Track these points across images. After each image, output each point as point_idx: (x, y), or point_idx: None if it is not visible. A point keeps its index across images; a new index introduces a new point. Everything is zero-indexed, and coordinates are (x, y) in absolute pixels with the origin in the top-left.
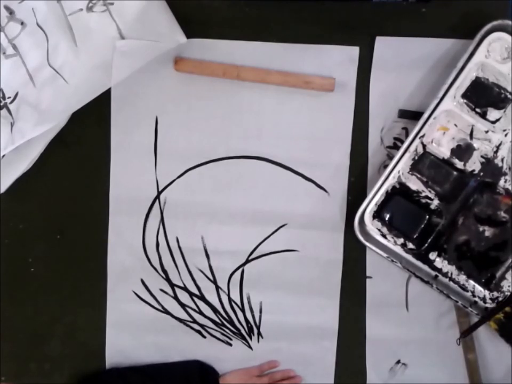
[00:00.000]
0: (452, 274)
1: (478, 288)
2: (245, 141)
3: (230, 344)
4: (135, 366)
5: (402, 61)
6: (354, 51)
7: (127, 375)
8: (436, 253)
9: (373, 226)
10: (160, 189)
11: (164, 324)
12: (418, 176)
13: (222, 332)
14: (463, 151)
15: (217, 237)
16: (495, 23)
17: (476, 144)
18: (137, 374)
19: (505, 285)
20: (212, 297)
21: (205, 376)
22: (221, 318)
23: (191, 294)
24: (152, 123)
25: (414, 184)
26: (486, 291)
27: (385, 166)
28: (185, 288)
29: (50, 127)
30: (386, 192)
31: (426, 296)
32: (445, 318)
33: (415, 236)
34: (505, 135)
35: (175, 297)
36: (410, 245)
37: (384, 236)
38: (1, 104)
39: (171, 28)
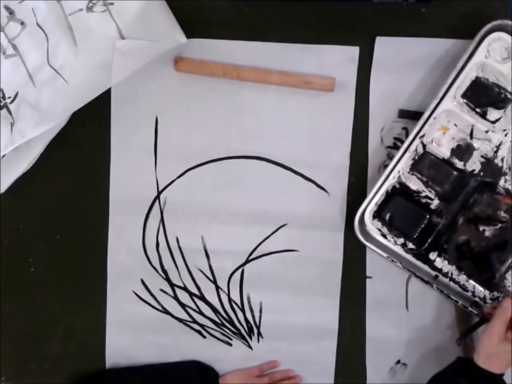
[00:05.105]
0: (452, 274)
1: (478, 288)
2: (245, 141)
3: (230, 344)
4: (135, 366)
5: (402, 61)
6: (354, 51)
7: (126, 375)
8: (436, 253)
9: (373, 226)
10: (160, 189)
11: (164, 324)
12: (418, 176)
13: (222, 331)
14: (463, 151)
15: (217, 237)
16: (495, 23)
17: (475, 144)
18: (137, 375)
19: (506, 285)
20: (212, 297)
21: (205, 377)
22: (221, 318)
23: (191, 294)
24: (152, 123)
25: (414, 184)
26: (486, 291)
27: (385, 166)
28: (185, 288)
29: (50, 127)
30: (386, 192)
31: (426, 296)
32: (445, 318)
33: (415, 236)
34: (505, 135)
35: (175, 297)
36: (411, 245)
37: (384, 235)
38: (1, 104)
39: (171, 28)
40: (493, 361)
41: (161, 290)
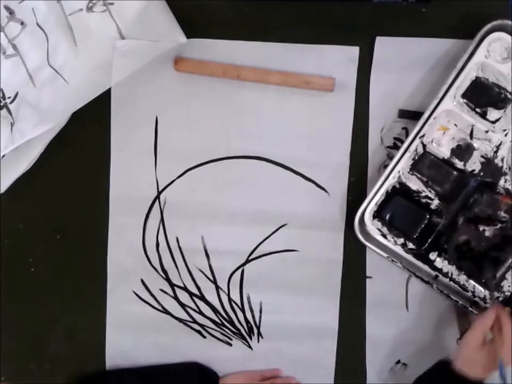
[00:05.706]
0: (452, 274)
1: (478, 288)
2: (245, 141)
3: (230, 344)
4: (134, 367)
5: (402, 61)
6: (354, 51)
7: (125, 377)
8: (436, 253)
9: (373, 226)
10: (160, 189)
11: (164, 324)
12: (418, 176)
13: (222, 331)
14: (463, 151)
15: (217, 237)
16: (495, 23)
17: (475, 144)
18: (136, 376)
19: (506, 285)
20: (212, 297)
21: (205, 378)
22: (221, 318)
23: (191, 294)
24: (152, 123)
25: (414, 184)
26: (486, 291)
27: (385, 166)
28: (185, 288)
29: (50, 127)
30: (386, 192)
31: (426, 296)
32: (445, 318)
33: (415, 236)
34: (505, 135)
35: (175, 297)
36: (411, 245)
37: (384, 235)
38: (1, 104)
39: (171, 28)
40: (470, 367)
41: (161, 290)
